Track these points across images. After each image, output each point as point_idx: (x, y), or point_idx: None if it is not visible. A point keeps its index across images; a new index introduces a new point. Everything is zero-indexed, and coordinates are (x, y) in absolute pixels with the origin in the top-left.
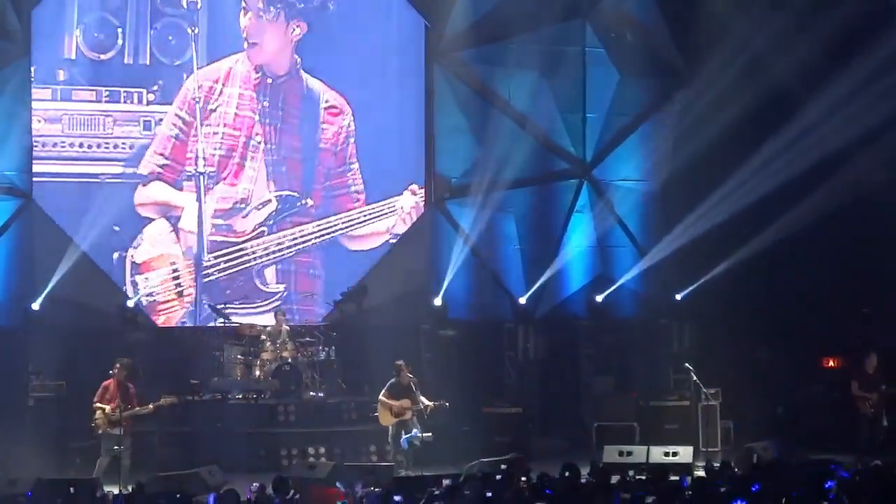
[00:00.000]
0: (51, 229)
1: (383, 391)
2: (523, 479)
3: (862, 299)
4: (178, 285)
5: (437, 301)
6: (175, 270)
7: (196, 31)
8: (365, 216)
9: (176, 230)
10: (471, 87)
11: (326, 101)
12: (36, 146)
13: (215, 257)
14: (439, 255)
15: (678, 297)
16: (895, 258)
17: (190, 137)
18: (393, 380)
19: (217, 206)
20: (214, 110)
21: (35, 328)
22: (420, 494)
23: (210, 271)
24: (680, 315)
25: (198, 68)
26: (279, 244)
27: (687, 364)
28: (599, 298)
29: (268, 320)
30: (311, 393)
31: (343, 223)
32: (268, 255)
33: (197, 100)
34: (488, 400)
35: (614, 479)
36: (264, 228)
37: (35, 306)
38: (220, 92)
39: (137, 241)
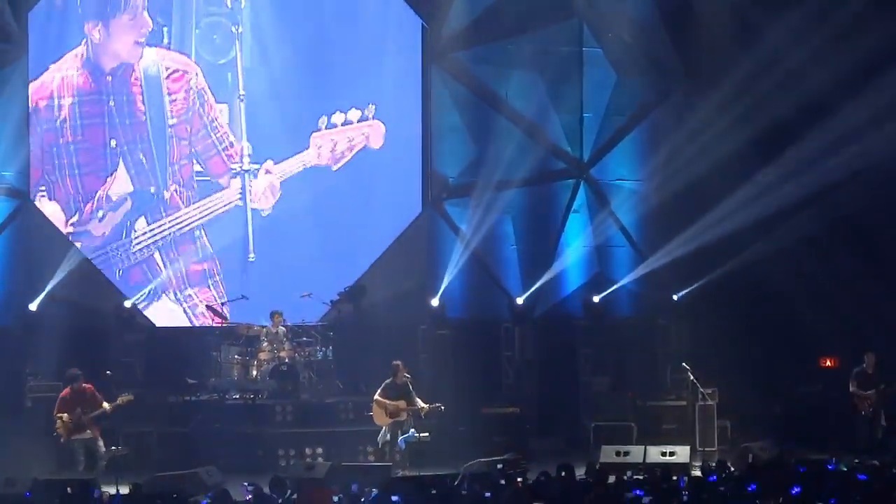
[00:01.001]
0: (48, 230)
1: (378, 391)
2: (519, 479)
3: (859, 299)
4: None
5: (435, 301)
6: None
7: (240, 30)
8: (215, 206)
9: None
10: (468, 88)
11: (167, 69)
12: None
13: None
14: (437, 254)
15: (675, 297)
16: (891, 259)
17: (48, 159)
18: (389, 380)
19: (77, 219)
20: (59, 127)
21: (33, 328)
22: (418, 495)
23: None
24: (677, 315)
25: (241, 67)
26: (138, 242)
27: (684, 364)
28: (596, 298)
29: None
30: (308, 393)
31: (198, 215)
32: (129, 254)
33: (41, 120)
34: (486, 400)
35: (611, 479)
36: (123, 230)
37: (33, 307)
38: (58, 105)
39: None
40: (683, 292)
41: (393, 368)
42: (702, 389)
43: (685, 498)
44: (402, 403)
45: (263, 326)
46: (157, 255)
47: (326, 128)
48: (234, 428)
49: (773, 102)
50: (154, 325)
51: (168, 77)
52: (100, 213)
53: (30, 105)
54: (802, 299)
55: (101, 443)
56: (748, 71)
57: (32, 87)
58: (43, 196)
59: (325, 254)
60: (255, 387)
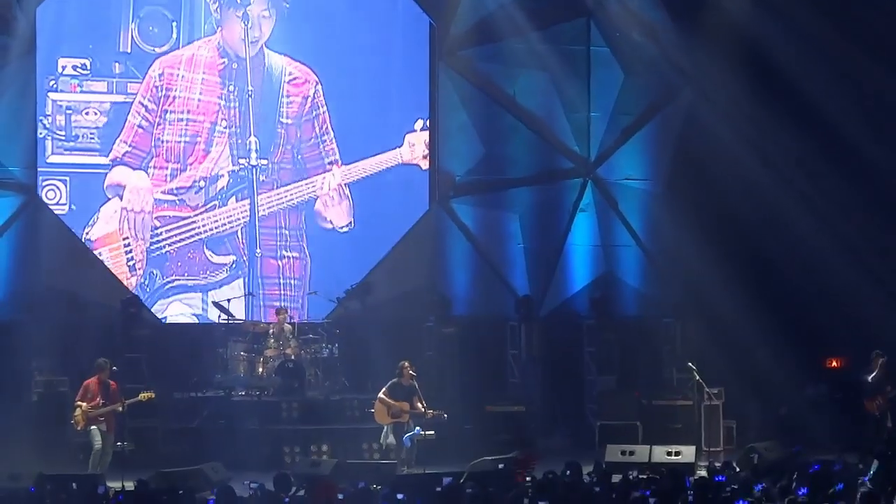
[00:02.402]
0: (55, 224)
1: (384, 389)
2: (528, 478)
3: (867, 299)
4: (131, 259)
5: (441, 299)
6: (127, 245)
7: (250, 24)
8: (291, 195)
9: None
10: (476, 86)
11: (289, 74)
12: (80, 138)
13: (167, 231)
14: (443, 252)
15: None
16: None
17: (155, 126)
18: (395, 379)
19: (179, 184)
20: (177, 97)
21: (38, 323)
22: (423, 493)
23: (160, 244)
24: (683, 314)
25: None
26: (229, 216)
27: (690, 363)
28: (602, 297)
29: (222, 294)
30: (314, 391)
31: (276, 200)
32: (218, 227)
33: (158, 87)
34: (491, 398)
35: (615, 478)
36: (216, 202)
37: (39, 301)
38: (182, 77)
39: (94, 219)
40: (688, 291)
41: (399, 369)
42: (707, 389)
43: (690, 498)
44: (405, 405)
45: (270, 323)
46: (238, 233)
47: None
48: (240, 424)
49: (786, 99)
50: (160, 320)
51: (289, 82)
52: (200, 184)
53: (153, 69)
54: (809, 299)
55: (112, 437)
56: (754, 65)
57: (164, 57)
58: (123, 166)
59: (331, 251)
60: (261, 384)
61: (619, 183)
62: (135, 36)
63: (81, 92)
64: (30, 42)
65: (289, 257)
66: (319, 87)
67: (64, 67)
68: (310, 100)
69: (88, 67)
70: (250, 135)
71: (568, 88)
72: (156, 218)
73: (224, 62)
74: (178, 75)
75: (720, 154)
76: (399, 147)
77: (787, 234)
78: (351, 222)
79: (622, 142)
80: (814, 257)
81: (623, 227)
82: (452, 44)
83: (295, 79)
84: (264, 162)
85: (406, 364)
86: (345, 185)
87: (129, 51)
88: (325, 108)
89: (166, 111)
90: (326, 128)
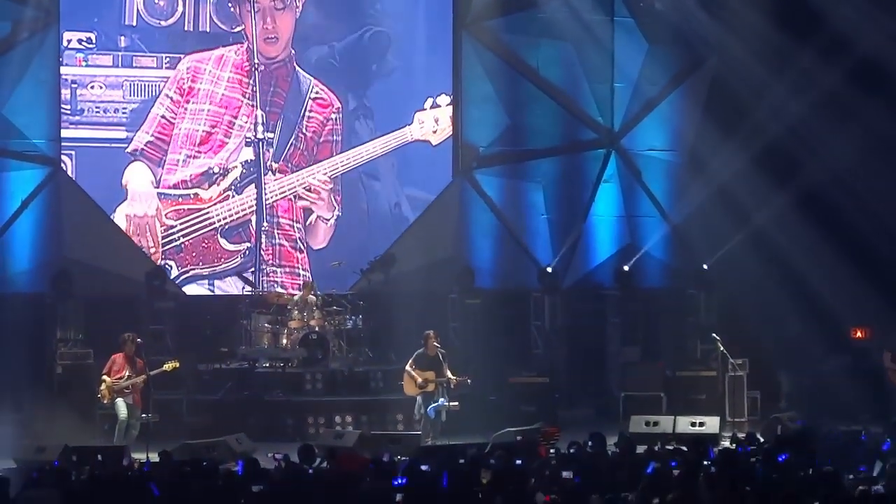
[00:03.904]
0: (79, 196)
1: (410, 361)
2: (552, 451)
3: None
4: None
5: (464, 270)
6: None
7: (260, 15)
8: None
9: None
10: (499, 56)
11: (315, 93)
12: (85, 112)
13: (180, 223)
14: (467, 224)
15: (705, 266)
16: None
17: (178, 116)
18: (420, 350)
19: (193, 172)
20: (201, 89)
21: (63, 296)
22: (447, 463)
23: (174, 236)
24: (707, 285)
25: (256, 37)
26: (242, 204)
27: (714, 334)
28: (626, 268)
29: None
30: (338, 362)
31: (288, 186)
32: (232, 216)
33: (184, 80)
34: (515, 369)
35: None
36: (230, 193)
37: (63, 274)
38: (209, 72)
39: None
40: (713, 261)
41: (424, 339)
42: (732, 360)
43: (714, 469)
44: (431, 374)
45: (293, 295)
46: (252, 220)
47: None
48: (264, 396)
49: (821, 49)
50: (184, 293)
51: (314, 99)
52: (214, 170)
53: (182, 64)
54: (834, 269)
55: (139, 411)
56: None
57: (193, 54)
58: (138, 161)
59: (356, 222)
60: (286, 355)
61: (643, 153)
62: (140, 9)
63: (87, 66)
64: (51, 12)
65: (301, 247)
66: (340, 115)
67: (69, 41)
68: (330, 122)
69: (94, 41)
70: (256, 108)
71: (592, 59)
72: (167, 214)
73: (251, 64)
74: (205, 69)
75: (750, 114)
76: (409, 125)
77: (817, 198)
78: (336, 215)
79: (646, 112)
80: (851, 226)
81: (647, 198)
82: (476, 14)
83: (320, 98)
84: (271, 135)
85: (430, 334)
86: (336, 179)
87: (134, 24)
88: (339, 137)
89: (189, 101)
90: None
